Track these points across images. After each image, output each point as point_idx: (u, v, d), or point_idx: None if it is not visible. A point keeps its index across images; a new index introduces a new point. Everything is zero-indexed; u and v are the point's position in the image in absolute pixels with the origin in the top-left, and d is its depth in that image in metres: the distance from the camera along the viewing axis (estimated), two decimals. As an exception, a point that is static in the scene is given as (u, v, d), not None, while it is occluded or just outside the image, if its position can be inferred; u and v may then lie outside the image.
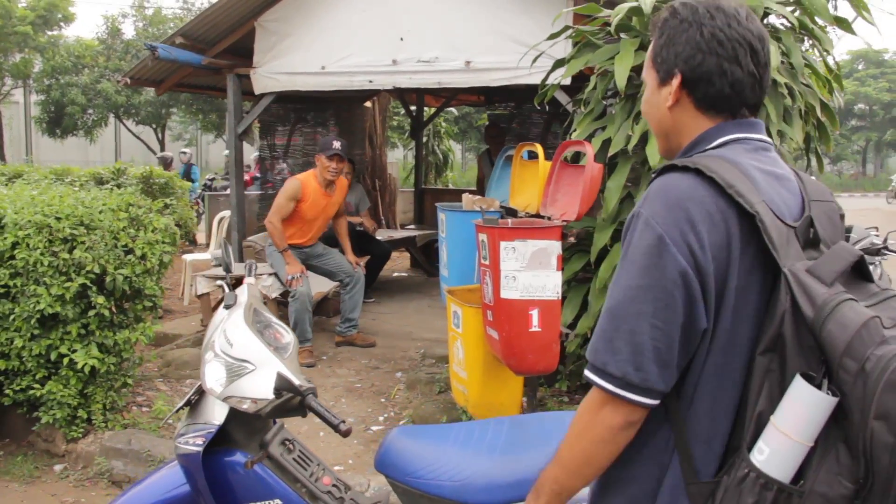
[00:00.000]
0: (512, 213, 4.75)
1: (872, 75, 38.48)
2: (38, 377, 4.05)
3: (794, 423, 1.25)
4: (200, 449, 2.25)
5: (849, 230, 5.76)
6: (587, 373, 1.39)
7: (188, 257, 8.32)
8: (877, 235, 6.17)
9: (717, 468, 1.36)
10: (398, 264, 10.52)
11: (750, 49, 1.44)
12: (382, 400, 5.06)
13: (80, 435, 4.21)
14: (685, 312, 1.32)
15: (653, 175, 1.51)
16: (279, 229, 5.89)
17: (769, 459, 1.26)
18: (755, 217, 1.32)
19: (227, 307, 2.42)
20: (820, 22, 4.35)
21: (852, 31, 4.27)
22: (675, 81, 1.46)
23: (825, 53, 4.32)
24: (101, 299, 4.04)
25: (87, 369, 4.00)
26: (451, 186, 16.95)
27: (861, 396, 1.19)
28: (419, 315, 7.41)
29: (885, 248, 5.65)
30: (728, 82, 1.44)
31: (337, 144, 5.90)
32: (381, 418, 4.73)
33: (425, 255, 9.86)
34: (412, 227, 10.64)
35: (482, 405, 4.19)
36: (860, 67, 39.59)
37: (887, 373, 1.16)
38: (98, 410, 4.26)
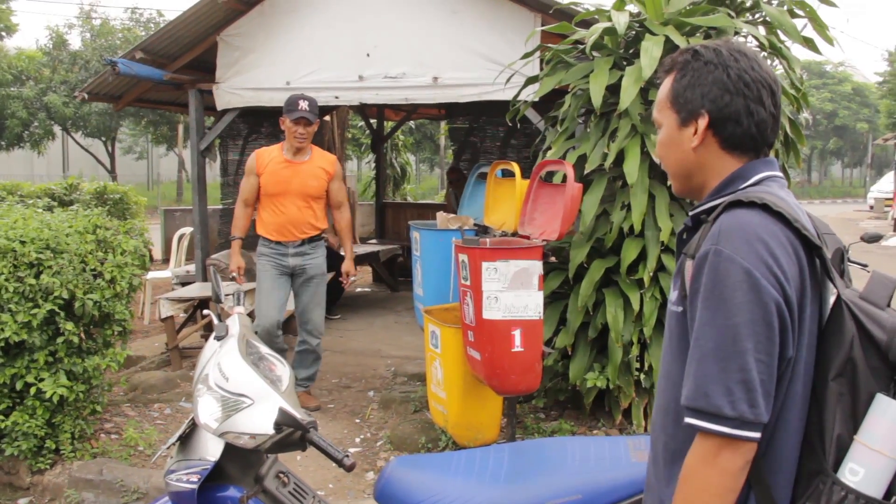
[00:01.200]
0: (484, 230, 4.75)
1: (815, 86, 39.60)
2: (1, 408, 3.89)
3: (885, 440, 1.30)
4: (195, 486, 2.18)
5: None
6: (695, 421, 1.37)
7: (148, 275, 8.13)
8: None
9: (791, 496, 1.39)
10: (361, 280, 10.44)
11: (770, 91, 1.50)
12: (357, 420, 5.00)
13: (47, 466, 4.06)
14: (780, 342, 1.35)
15: (693, 211, 1.55)
16: (238, 215, 5.05)
17: (864, 479, 1.30)
18: (820, 249, 1.39)
19: (218, 338, 2.36)
20: (785, 40, 4.45)
21: (818, 51, 4.38)
22: (703, 122, 1.50)
23: (792, 72, 4.41)
24: (69, 325, 3.91)
25: (55, 398, 3.86)
26: (409, 199, 16.93)
27: None
28: (386, 331, 7.35)
29: (847, 258, 5.77)
30: (754, 122, 1.49)
31: (303, 105, 4.75)
32: (357, 440, 4.67)
33: (388, 270, 9.82)
34: (373, 241, 10.59)
35: (462, 425, 4.17)
36: (804, 77, 40.66)
37: None
38: (66, 440, 4.12)
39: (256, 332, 3.78)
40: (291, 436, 2.11)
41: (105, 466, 4.01)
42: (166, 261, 10.73)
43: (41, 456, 4.05)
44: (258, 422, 2.12)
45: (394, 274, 9.95)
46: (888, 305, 1.39)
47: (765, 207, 1.39)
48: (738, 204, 1.42)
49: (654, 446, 1.61)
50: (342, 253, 5.93)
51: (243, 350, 2.29)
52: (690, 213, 1.58)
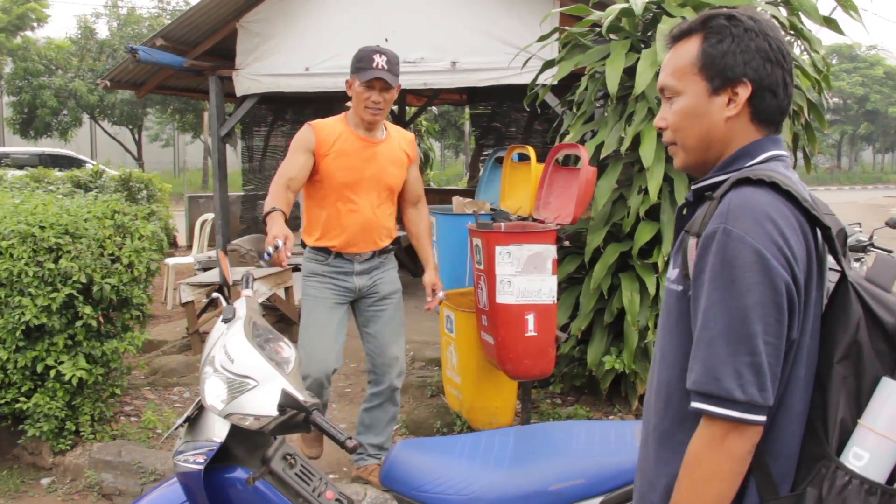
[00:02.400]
0: (503, 215, 4.73)
1: (846, 70, 38.91)
2: (23, 390, 3.96)
3: (891, 425, 1.28)
4: (202, 467, 2.20)
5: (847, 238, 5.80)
6: (703, 405, 1.34)
7: (171, 261, 8.22)
8: (860, 232, 6.21)
9: (792, 481, 1.37)
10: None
11: (794, 65, 1.49)
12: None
13: (67, 447, 4.13)
14: (787, 324, 1.33)
15: (695, 186, 1.52)
16: (274, 192, 3.35)
17: (869, 464, 1.28)
18: (829, 229, 1.36)
19: (226, 321, 2.37)
20: (808, 21, 4.36)
21: (841, 31, 4.29)
22: (745, 92, 1.43)
23: (814, 53, 4.33)
24: (87, 309, 3.96)
25: (74, 381, 3.92)
26: (433, 185, 16.92)
27: None
28: (407, 316, 7.34)
29: (871, 244, 5.69)
30: (787, 95, 1.46)
31: (380, 61, 3.30)
32: (372, 424, 4.68)
33: (410, 256, 9.82)
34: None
35: (477, 409, 4.16)
36: (834, 62, 39.98)
37: None
38: (86, 422, 4.18)
39: (305, 381, 3.23)
40: (295, 417, 2.12)
41: (124, 448, 4.06)
42: (190, 247, 10.84)
43: (62, 437, 4.12)
44: (262, 403, 2.13)
45: (415, 260, 9.95)
46: (892, 288, 1.37)
47: (773, 186, 1.35)
48: (746, 181, 1.37)
49: (644, 427, 1.58)
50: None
51: (249, 332, 2.30)
52: (693, 188, 1.53)
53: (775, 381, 1.32)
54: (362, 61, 3.33)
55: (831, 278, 1.43)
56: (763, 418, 1.31)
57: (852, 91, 38.01)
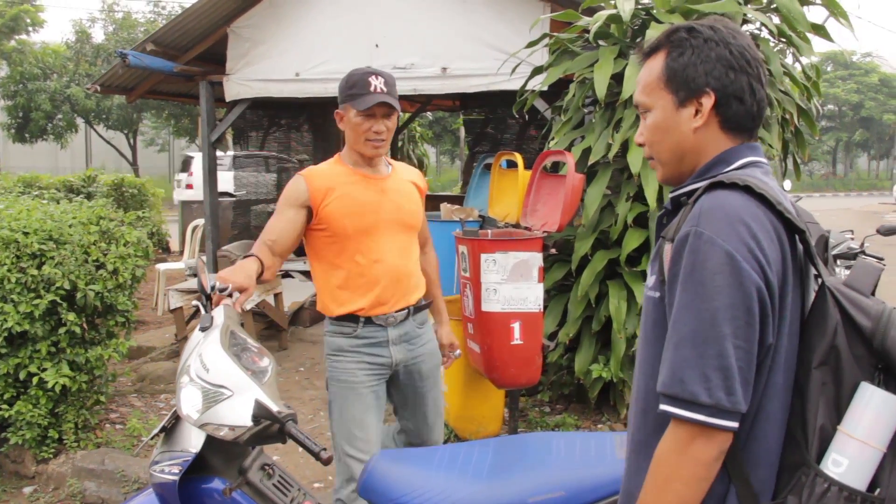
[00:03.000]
0: (491, 222, 4.70)
1: (841, 77, 39.06)
2: (5, 397, 3.92)
3: (871, 431, 1.26)
4: (177, 478, 2.17)
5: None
6: (669, 408, 1.32)
7: (162, 266, 8.19)
8: (852, 239, 6.20)
9: (773, 489, 1.35)
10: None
11: (765, 70, 1.47)
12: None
13: (50, 455, 4.09)
14: (760, 329, 1.31)
15: (673, 193, 1.52)
16: (255, 247, 2.76)
17: (848, 471, 1.26)
18: (804, 233, 1.35)
19: (203, 329, 2.34)
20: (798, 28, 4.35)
21: (830, 38, 4.28)
22: (708, 101, 1.44)
23: (804, 60, 4.32)
24: (71, 316, 3.92)
25: (57, 388, 3.88)
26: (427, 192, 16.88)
27: None
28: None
29: (862, 252, 5.67)
30: (756, 100, 1.45)
31: (377, 84, 2.73)
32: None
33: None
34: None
35: (464, 418, 4.14)
36: (829, 69, 40.14)
37: None
38: (70, 430, 4.15)
39: (348, 486, 2.72)
40: (270, 428, 2.09)
41: (107, 456, 4.02)
42: (183, 252, 10.80)
43: (45, 445, 4.08)
44: (237, 413, 2.10)
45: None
46: (873, 294, 1.35)
47: (747, 189, 1.34)
48: (719, 185, 1.37)
49: (628, 438, 1.57)
50: None
51: (225, 341, 2.27)
52: (670, 195, 1.53)
53: (747, 386, 1.30)
54: (356, 86, 2.72)
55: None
56: (732, 424, 1.29)
57: (847, 98, 38.15)
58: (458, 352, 3.13)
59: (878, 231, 6.00)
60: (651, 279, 1.49)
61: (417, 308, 2.93)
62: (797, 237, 1.38)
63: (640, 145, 1.58)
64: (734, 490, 1.35)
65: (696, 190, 1.43)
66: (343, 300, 2.82)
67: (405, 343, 2.89)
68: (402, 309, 2.86)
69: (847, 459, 1.26)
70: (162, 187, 12.80)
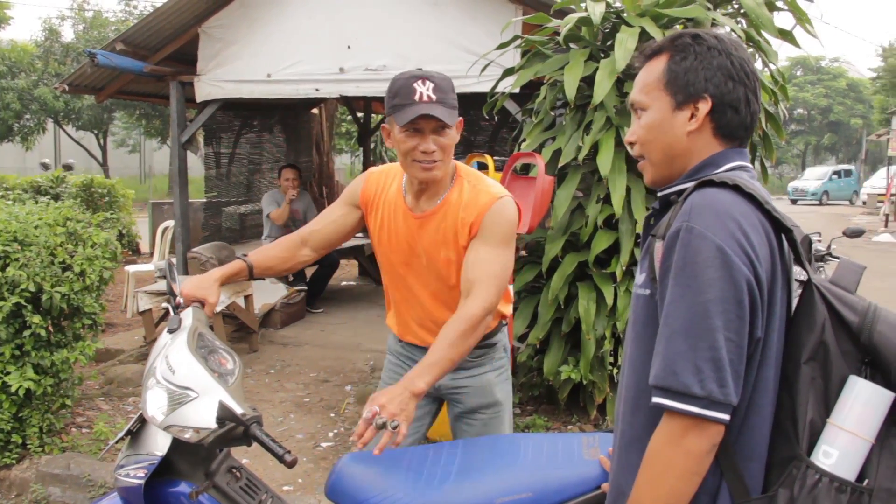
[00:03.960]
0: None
1: (810, 81, 39.60)
2: (-31, 401, 3.86)
3: (859, 422, 1.30)
4: (142, 482, 2.14)
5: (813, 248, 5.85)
6: (662, 401, 1.35)
7: (131, 268, 8.10)
8: (819, 241, 6.27)
9: (763, 482, 1.38)
10: (346, 272, 10.40)
11: (761, 84, 1.53)
12: (332, 415, 4.96)
13: (13, 461, 4.02)
14: (749, 322, 1.34)
15: (662, 192, 1.56)
16: (274, 243, 2.66)
17: (839, 462, 1.30)
18: (792, 232, 1.39)
19: (171, 331, 2.32)
20: (765, 34, 4.40)
21: (797, 44, 4.34)
22: (705, 106, 1.48)
23: (770, 65, 4.37)
24: (36, 318, 3.86)
25: (21, 392, 3.82)
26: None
27: None
28: (369, 326, 7.31)
29: (829, 254, 5.73)
30: (750, 112, 1.50)
31: (424, 91, 2.23)
32: (330, 434, 4.64)
33: (373, 264, 9.77)
34: (360, 234, 10.54)
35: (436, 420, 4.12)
36: (798, 74, 40.70)
37: None
38: (34, 434, 4.08)
39: None
40: (234, 430, 2.08)
41: (73, 461, 3.97)
42: (153, 254, 10.69)
43: (7, 450, 4.01)
44: (202, 415, 2.08)
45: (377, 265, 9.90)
46: (855, 291, 1.41)
47: (736, 188, 1.38)
48: (709, 184, 1.41)
49: (615, 437, 1.60)
50: None
51: (192, 343, 2.25)
52: (659, 195, 1.58)
53: (738, 380, 1.33)
54: (398, 95, 2.26)
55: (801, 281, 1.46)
56: (724, 416, 1.32)
57: (816, 102, 38.68)
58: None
59: (844, 233, 6.08)
60: (640, 277, 1.53)
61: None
62: (784, 236, 1.42)
63: (631, 144, 1.61)
64: (726, 484, 1.38)
65: (685, 189, 1.47)
66: (389, 306, 2.73)
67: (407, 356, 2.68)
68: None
69: (837, 451, 1.30)
70: (133, 188, 12.62)
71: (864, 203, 28.37)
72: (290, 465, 2.04)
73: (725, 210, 1.35)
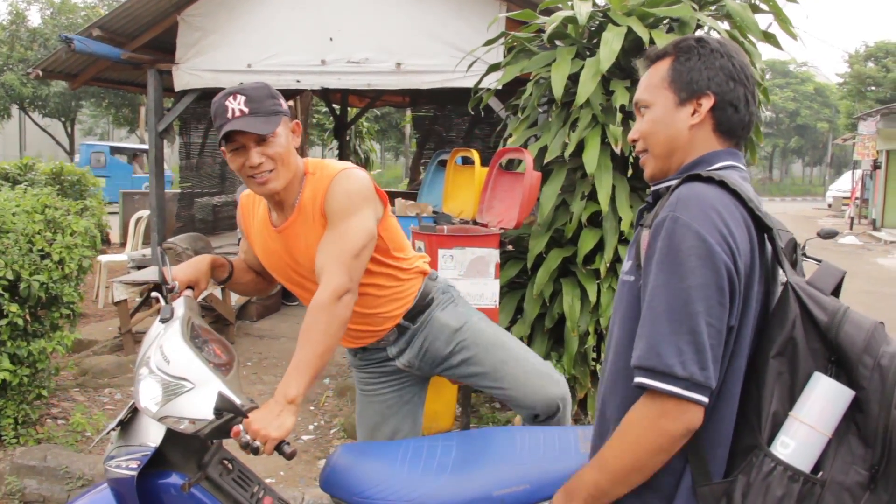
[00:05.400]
0: (445, 218, 4.71)
1: (779, 85, 40.14)
2: (-58, 390, 3.78)
3: (819, 417, 1.35)
4: (135, 473, 2.11)
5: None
6: (645, 380, 1.40)
7: (103, 258, 7.99)
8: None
9: (725, 469, 1.43)
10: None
11: (756, 88, 1.60)
12: (311, 408, 4.94)
13: (-12, 452, 3.96)
14: (729, 309, 1.39)
15: (655, 187, 1.63)
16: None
17: (795, 452, 1.35)
18: (771, 231, 1.44)
19: (164, 321, 2.29)
20: (749, 36, 4.45)
21: (779, 46, 4.40)
22: (708, 102, 1.55)
23: (753, 67, 4.42)
24: (14, 307, 3.79)
25: (-3, 382, 3.76)
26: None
27: (879, 389, 1.33)
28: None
29: (804, 254, 5.83)
30: (749, 112, 1.57)
31: (235, 105, 2.18)
32: (311, 427, 4.62)
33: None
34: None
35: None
36: (767, 77, 41.23)
37: None
38: (8, 425, 4.01)
39: None
40: (232, 422, 2.06)
41: (49, 452, 3.90)
42: (124, 244, 10.55)
43: (-18, 441, 3.95)
44: (198, 406, 2.06)
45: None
46: (833, 293, 1.45)
47: (721, 184, 1.44)
48: (696, 178, 1.47)
49: (596, 417, 1.65)
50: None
51: (186, 333, 2.22)
52: (651, 189, 1.65)
53: (717, 364, 1.39)
54: (217, 116, 2.22)
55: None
56: (703, 398, 1.37)
57: (784, 105, 39.26)
58: (255, 442, 1.97)
59: (819, 234, 6.18)
60: (627, 264, 1.59)
61: (402, 327, 2.55)
62: (767, 236, 1.47)
63: (633, 141, 1.68)
64: (689, 468, 1.44)
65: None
66: None
67: (400, 348, 2.60)
68: (361, 349, 2.63)
69: (794, 442, 1.36)
70: (101, 178, 12.41)
71: (830, 206, 28.86)
72: (289, 456, 2.03)
73: (710, 203, 1.41)
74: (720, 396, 1.42)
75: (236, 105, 2.20)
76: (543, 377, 2.58)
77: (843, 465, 1.35)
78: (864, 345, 1.35)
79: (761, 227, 1.46)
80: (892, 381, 1.33)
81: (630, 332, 1.50)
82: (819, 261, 1.62)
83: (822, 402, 1.36)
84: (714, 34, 4.32)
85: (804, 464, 1.35)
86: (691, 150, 1.59)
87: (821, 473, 1.35)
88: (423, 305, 2.55)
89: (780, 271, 1.51)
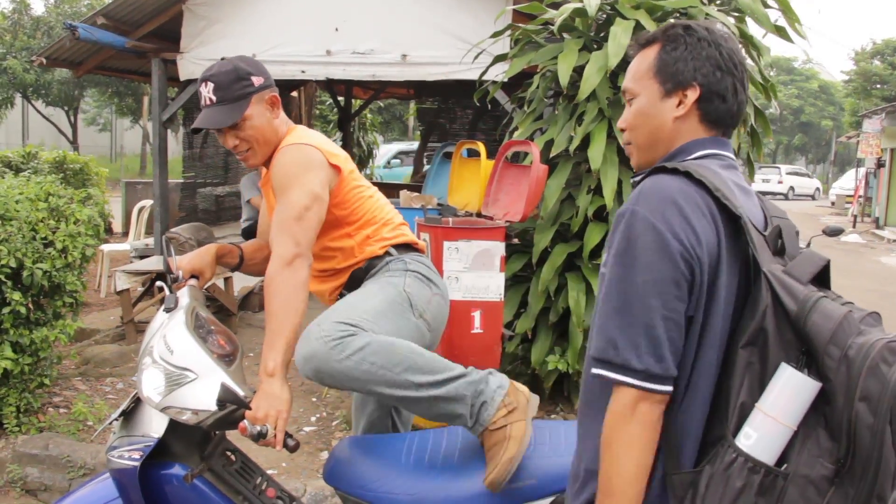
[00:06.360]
0: (450, 210, 4.69)
1: (783, 82, 40.06)
2: (-56, 378, 3.77)
3: (782, 408, 1.33)
4: (137, 464, 2.10)
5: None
6: (604, 372, 1.41)
7: (105, 248, 7.97)
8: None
9: (695, 459, 1.42)
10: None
11: (748, 76, 1.57)
12: (314, 399, 4.93)
13: (-10, 440, 3.95)
14: (686, 302, 1.39)
15: (634, 178, 1.61)
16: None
17: (756, 444, 1.34)
18: (740, 219, 1.41)
19: (168, 310, 2.27)
20: (756, 29, 4.43)
21: (790, 40, 4.37)
22: (693, 94, 1.52)
23: (761, 62, 4.40)
24: (16, 295, 3.78)
25: (-1, 371, 3.75)
26: (375, 179, 16.81)
27: (845, 381, 1.30)
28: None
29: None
30: (737, 101, 1.54)
31: (205, 92, 2.34)
32: (313, 419, 4.61)
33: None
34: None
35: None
36: (772, 74, 41.15)
37: (868, 359, 1.29)
38: (10, 413, 4.00)
39: None
40: (234, 413, 2.05)
41: (51, 441, 3.89)
42: (126, 234, 10.53)
43: (-17, 429, 3.94)
44: (201, 397, 2.05)
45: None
46: (808, 283, 1.40)
47: (686, 175, 1.43)
48: (662, 170, 1.47)
49: (579, 408, 1.65)
50: None
51: (191, 323, 2.21)
52: (632, 180, 1.63)
53: (676, 355, 1.38)
54: (198, 101, 2.39)
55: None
56: (665, 388, 1.37)
57: (788, 103, 39.18)
58: (264, 427, 1.99)
59: (824, 231, 6.16)
60: (605, 256, 1.58)
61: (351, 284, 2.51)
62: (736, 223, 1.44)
63: (623, 130, 1.66)
64: (661, 458, 1.43)
65: None
66: None
67: None
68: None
69: (756, 433, 1.34)
70: (104, 167, 12.36)
71: (833, 204, 28.81)
72: (293, 449, 2.02)
73: (669, 195, 1.40)
74: (689, 390, 1.42)
75: (206, 92, 2.32)
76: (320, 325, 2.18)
77: (810, 459, 1.33)
78: (829, 335, 1.32)
79: (733, 216, 1.43)
80: (857, 372, 1.29)
81: None
82: (802, 250, 1.59)
83: (787, 393, 1.33)
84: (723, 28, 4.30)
85: (766, 455, 1.33)
86: (675, 141, 1.56)
87: (785, 466, 1.34)
88: (361, 276, 2.50)
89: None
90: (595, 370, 1.42)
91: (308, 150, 2.33)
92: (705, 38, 1.53)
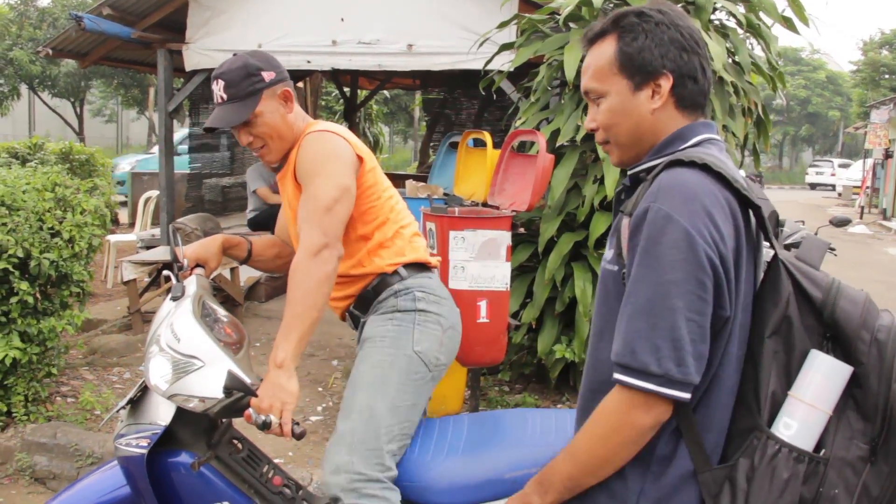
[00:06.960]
0: (456, 200, 4.68)
1: (790, 72, 39.84)
2: (-48, 368, 3.78)
3: (818, 395, 1.34)
4: (145, 451, 2.11)
5: (782, 224, 5.93)
6: (620, 377, 1.38)
7: (112, 238, 7.99)
8: (805, 229, 6.35)
9: (722, 453, 1.42)
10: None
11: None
12: (320, 389, 4.95)
13: (-2, 429, 3.97)
14: (717, 302, 1.36)
15: (632, 170, 1.57)
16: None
17: (798, 433, 1.34)
18: (760, 209, 1.40)
19: (174, 299, 2.28)
20: (765, 19, 4.40)
21: (796, 31, 4.34)
22: (667, 83, 1.48)
23: (769, 52, 4.37)
24: (24, 285, 3.79)
25: (7, 360, 3.75)
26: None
27: (878, 363, 1.33)
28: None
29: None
30: (706, 79, 1.52)
31: (217, 89, 2.28)
32: (319, 408, 4.62)
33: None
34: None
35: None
36: (780, 63, 40.95)
37: None
38: (19, 402, 4.01)
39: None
40: (241, 401, 2.05)
41: (59, 430, 3.92)
42: (132, 224, 10.56)
43: (-8, 418, 3.96)
44: (208, 385, 2.05)
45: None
46: (819, 266, 1.43)
47: (704, 167, 1.40)
48: (678, 163, 1.42)
49: (578, 402, 1.64)
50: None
51: (197, 311, 2.21)
52: (629, 173, 1.58)
53: (700, 359, 1.35)
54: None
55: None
56: (680, 394, 1.35)
57: (795, 93, 39.01)
58: (268, 417, 2.00)
59: (831, 222, 6.18)
60: (609, 253, 1.55)
61: (361, 303, 2.43)
62: (752, 212, 1.44)
63: (592, 131, 1.61)
64: (687, 452, 1.41)
65: (655, 167, 1.47)
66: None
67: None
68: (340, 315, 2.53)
69: (796, 422, 1.35)
70: (110, 158, 12.37)
71: (840, 195, 28.71)
72: (299, 436, 2.02)
73: (692, 191, 1.37)
74: (712, 383, 1.41)
75: (218, 90, 2.27)
76: (354, 453, 2.10)
77: (844, 441, 1.34)
78: (860, 320, 1.34)
79: (747, 204, 1.42)
80: (890, 355, 1.32)
81: (608, 323, 1.49)
82: (833, 249, 1.60)
83: (821, 379, 1.35)
84: (732, 20, 4.28)
85: (807, 443, 1.34)
86: (658, 132, 1.52)
87: (823, 451, 1.35)
88: (370, 297, 2.41)
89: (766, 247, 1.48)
90: (615, 375, 1.39)
91: (334, 138, 2.28)
92: (662, 22, 1.47)
